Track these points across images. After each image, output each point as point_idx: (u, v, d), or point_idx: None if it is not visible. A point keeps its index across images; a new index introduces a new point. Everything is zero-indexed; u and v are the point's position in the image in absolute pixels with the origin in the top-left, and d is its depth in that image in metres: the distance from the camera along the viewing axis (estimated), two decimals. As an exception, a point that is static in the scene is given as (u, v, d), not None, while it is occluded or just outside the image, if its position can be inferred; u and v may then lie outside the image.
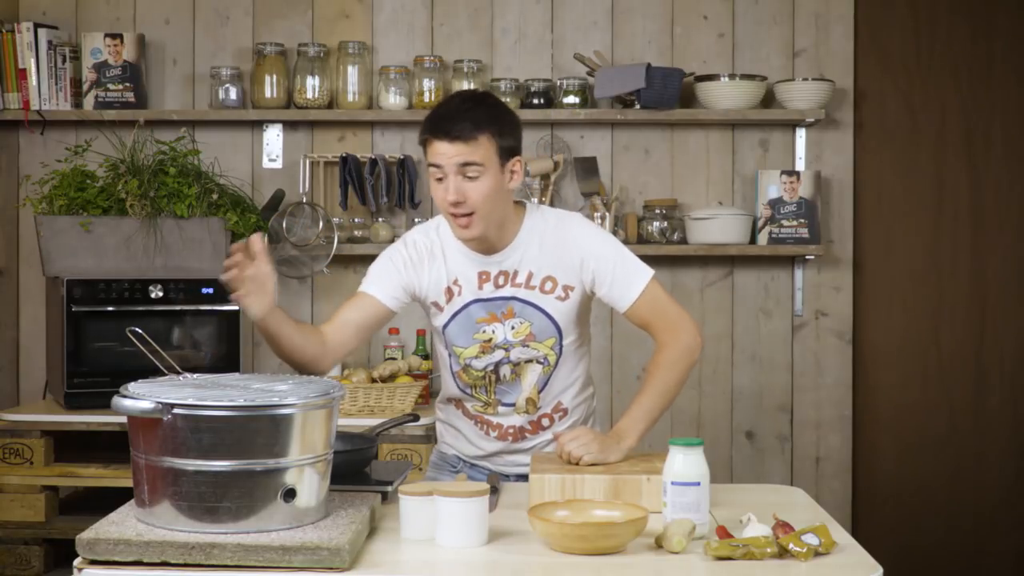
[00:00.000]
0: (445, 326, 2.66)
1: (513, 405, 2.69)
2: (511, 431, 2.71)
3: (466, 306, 2.63)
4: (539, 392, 2.68)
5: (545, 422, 2.71)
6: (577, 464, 2.43)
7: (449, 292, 2.64)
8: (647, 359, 2.73)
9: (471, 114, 2.49)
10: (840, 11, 4.34)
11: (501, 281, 2.62)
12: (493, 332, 2.62)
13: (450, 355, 2.69)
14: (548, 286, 2.62)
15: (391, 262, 2.66)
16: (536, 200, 4.22)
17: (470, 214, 2.51)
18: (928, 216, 4.40)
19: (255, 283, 2.37)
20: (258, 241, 2.36)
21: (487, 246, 2.61)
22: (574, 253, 2.61)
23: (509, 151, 2.54)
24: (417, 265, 2.64)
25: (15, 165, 4.38)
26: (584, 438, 2.47)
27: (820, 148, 4.35)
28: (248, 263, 2.35)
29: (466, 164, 2.48)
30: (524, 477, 2.62)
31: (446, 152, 2.48)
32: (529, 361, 2.65)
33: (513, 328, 2.63)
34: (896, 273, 4.40)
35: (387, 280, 2.64)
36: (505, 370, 2.66)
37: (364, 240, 4.28)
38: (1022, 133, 4.39)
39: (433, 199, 2.58)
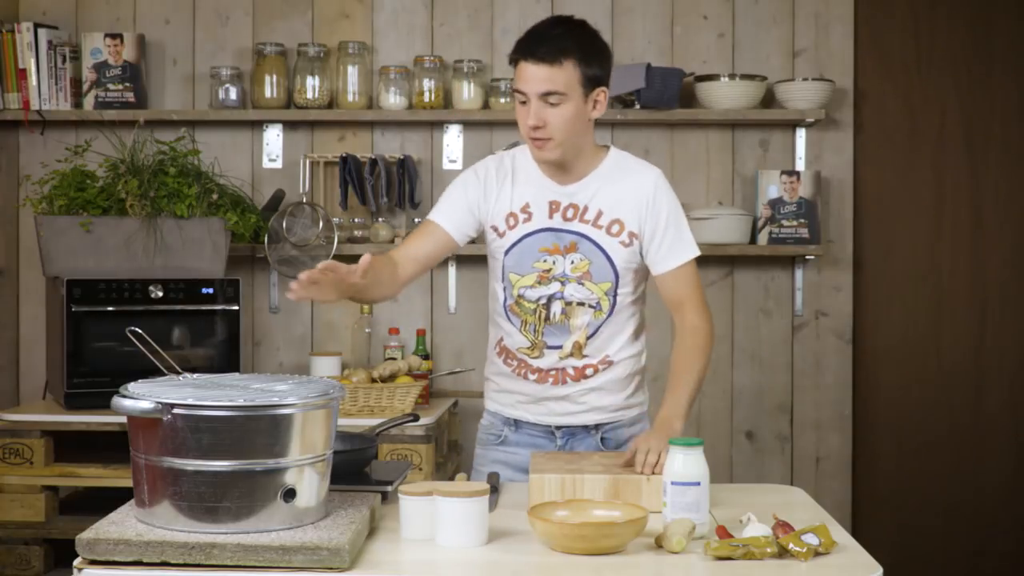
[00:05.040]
0: (507, 252, 2.67)
1: (559, 348, 2.67)
2: (552, 374, 2.69)
3: (532, 233, 2.65)
4: (587, 338, 2.67)
5: (589, 371, 2.69)
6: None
7: (514, 217, 2.66)
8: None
9: (559, 40, 2.51)
10: (840, 11, 4.34)
11: (570, 214, 2.64)
12: (553, 263, 2.64)
13: (504, 288, 2.69)
14: (615, 228, 2.63)
15: (459, 188, 2.70)
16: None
17: (548, 139, 2.54)
18: (928, 216, 4.40)
19: (328, 285, 2.32)
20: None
21: (563, 174, 2.64)
22: (643, 199, 2.62)
23: (594, 80, 2.55)
24: (485, 187, 2.67)
25: (15, 165, 4.38)
26: (654, 448, 2.38)
27: (820, 148, 4.34)
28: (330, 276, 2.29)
29: (548, 93, 2.50)
30: (565, 427, 2.72)
31: (531, 77, 2.51)
32: (581, 304, 2.65)
33: (572, 263, 2.63)
34: (896, 273, 4.40)
35: (455, 209, 2.68)
36: (556, 307, 2.65)
37: (364, 240, 4.28)
38: (1022, 133, 4.39)
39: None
